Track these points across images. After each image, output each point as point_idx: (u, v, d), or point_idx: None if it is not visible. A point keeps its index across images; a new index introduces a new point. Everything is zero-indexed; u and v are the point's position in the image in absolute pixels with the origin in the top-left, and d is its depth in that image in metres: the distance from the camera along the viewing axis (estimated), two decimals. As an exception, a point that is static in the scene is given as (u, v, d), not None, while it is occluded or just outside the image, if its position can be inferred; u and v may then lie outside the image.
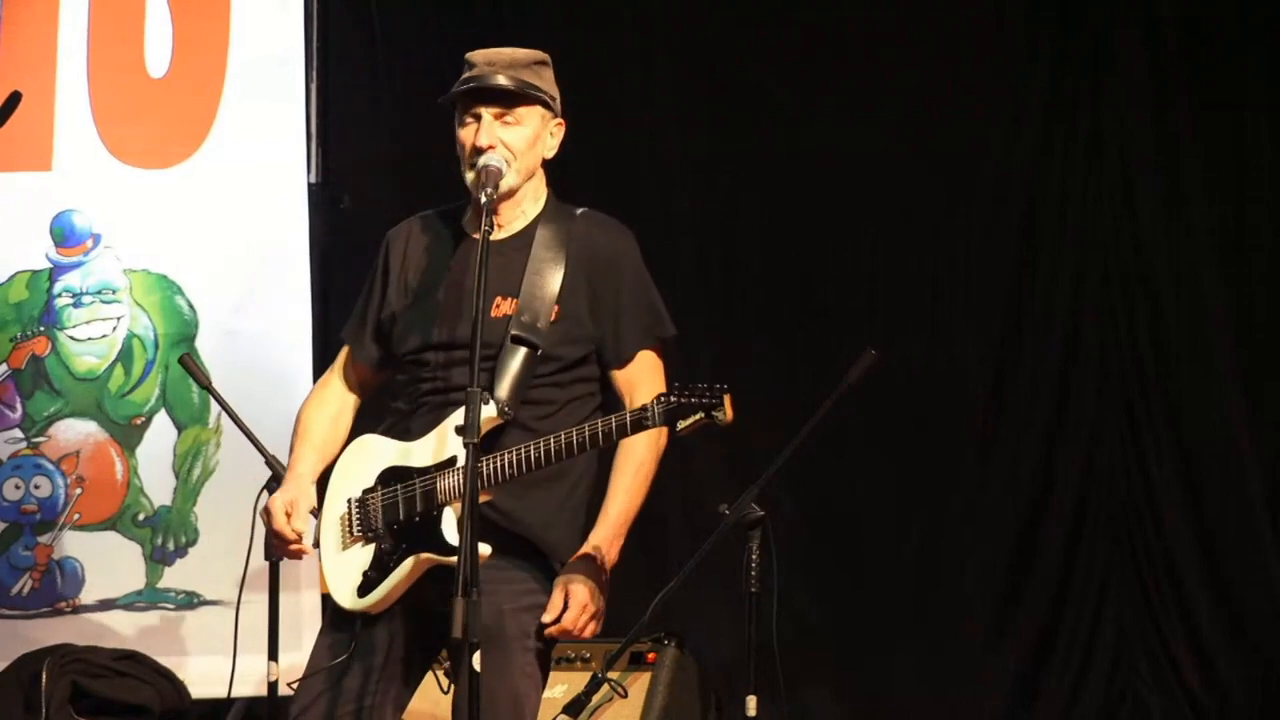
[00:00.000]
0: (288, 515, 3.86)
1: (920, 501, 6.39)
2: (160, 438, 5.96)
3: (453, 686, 3.65)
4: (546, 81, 3.92)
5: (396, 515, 3.79)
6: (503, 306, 3.84)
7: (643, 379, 3.85)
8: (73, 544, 5.94)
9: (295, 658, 4.65)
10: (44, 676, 5.41)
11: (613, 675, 4.99)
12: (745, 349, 6.44)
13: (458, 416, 3.65)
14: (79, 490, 5.94)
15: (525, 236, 3.91)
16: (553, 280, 3.86)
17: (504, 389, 3.75)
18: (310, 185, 6.04)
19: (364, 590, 3.81)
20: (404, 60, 6.63)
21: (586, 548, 3.80)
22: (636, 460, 3.83)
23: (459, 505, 3.65)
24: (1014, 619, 6.35)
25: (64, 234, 5.98)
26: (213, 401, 5.65)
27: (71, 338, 5.98)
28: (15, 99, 4.50)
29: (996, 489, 6.38)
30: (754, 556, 4.52)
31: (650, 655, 5.32)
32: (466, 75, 3.88)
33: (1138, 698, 6.25)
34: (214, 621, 5.75)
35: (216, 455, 5.95)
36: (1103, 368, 6.35)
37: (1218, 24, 6.24)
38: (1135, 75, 6.32)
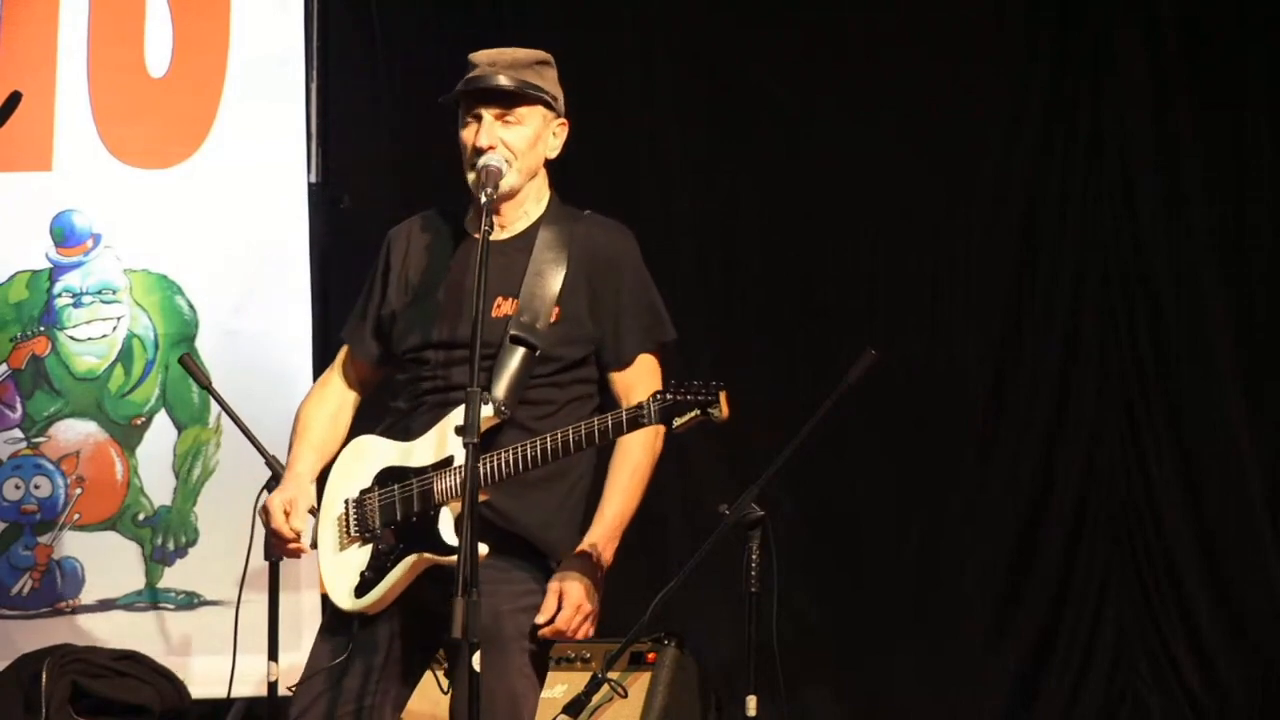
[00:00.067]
0: (286, 514, 3.86)
1: (920, 501, 6.39)
2: (160, 438, 5.96)
3: (452, 687, 3.65)
4: (548, 81, 3.92)
5: (394, 515, 3.79)
6: (503, 307, 3.84)
7: (641, 383, 3.85)
8: (73, 544, 5.94)
9: (295, 658, 4.65)
10: (44, 676, 5.41)
11: (613, 675, 4.99)
12: (745, 349, 6.44)
13: (456, 416, 3.65)
14: (79, 490, 5.94)
15: (527, 237, 3.91)
16: (553, 281, 3.86)
17: (501, 388, 3.76)
18: (310, 185, 6.04)
19: (361, 591, 3.81)
20: (404, 60, 6.63)
21: (581, 548, 3.80)
22: (633, 462, 3.83)
23: (456, 505, 3.65)
24: (1014, 619, 6.35)
25: (64, 234, 5.98)
26: (213, 401, 5.65)
27: (71, 338, 5.98)
28: (15, 99, 4.50)
29: (996, 489, 6.38)
30: (754, 556, 4.52)
31: (650, 655, 5.33)
32: (468, 76, 3.88)
33: (1138, 698, 6.25)
34: (214, 621, 5.75)
35: (216, 455, 5.95)
36: (1103, 368, 6.35)
37: (1218, 24, 6.25)
38: (1135, 75, 6.32)
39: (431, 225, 4.02)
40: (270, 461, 5.12)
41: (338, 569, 3.85)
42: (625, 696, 5.13)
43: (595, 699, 4.95)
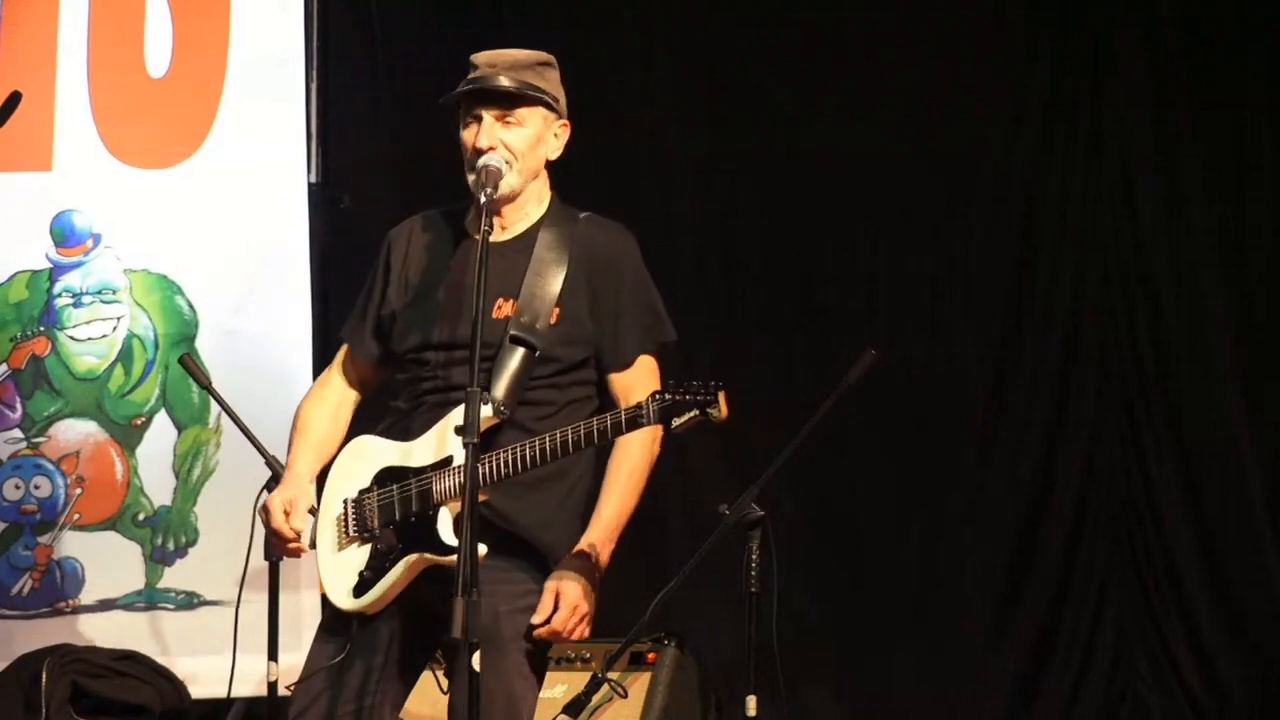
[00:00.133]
0: (286, 514, 3.85)
1: (920, 501, 6.39)
2: (160, 438, 5.97)
3: (450, 687, 3.65)
4: (550, 82, 3.91)
5: (392, 515, 3.79)
6: (504, 308, 3.84)
7: (641, 383, 3.84)
8: (73, 544, 5.94)
9: (295, 658, 4.63)
10: (44, 676, 5.42)
11: (613, 675, 4.99)
12: (745, 349, 6.44)
13: (456, 416, 3.65)
14: (79, 490, 5.94)
15: (528, 238, 3.91)
16: (554, 282, 3.86)
17: (501, 389, 3.76)
18: (310, 185, 6.05)
19: (359, 591, 3.81)
20: (404, 60, 6.63)
21: (579, 549, 3.80)
22: (631, 463, 3.83)
23: (456, 505, 3.66)
24: (1014, 619, 6.35)
25: (64, 234, 5.98)
26: (213, 401, 5.65)
27: (71, 338, 5.98)
28: (15, 99, 4.50)
29: (996, 489, 6.38)
30: (754, 556, 4.52)
31: (650, 655, 5.33)
32: (469, 76, 3.88)
33: (1138, 698, 6.25)
34: (214, 621, 5.75)
35: (216, 455, 5.95)
36: (1103, 368, 6.36)
37: (1218, 24, 6.25)
38: (1135, 75, 6.32)
39: (432, 226, 4.02)
40: (270, 461, 5.12)
41: (336, 569, 3.85)
42: (625, 696, 5.13)
43: (595, 699, 4.95)
